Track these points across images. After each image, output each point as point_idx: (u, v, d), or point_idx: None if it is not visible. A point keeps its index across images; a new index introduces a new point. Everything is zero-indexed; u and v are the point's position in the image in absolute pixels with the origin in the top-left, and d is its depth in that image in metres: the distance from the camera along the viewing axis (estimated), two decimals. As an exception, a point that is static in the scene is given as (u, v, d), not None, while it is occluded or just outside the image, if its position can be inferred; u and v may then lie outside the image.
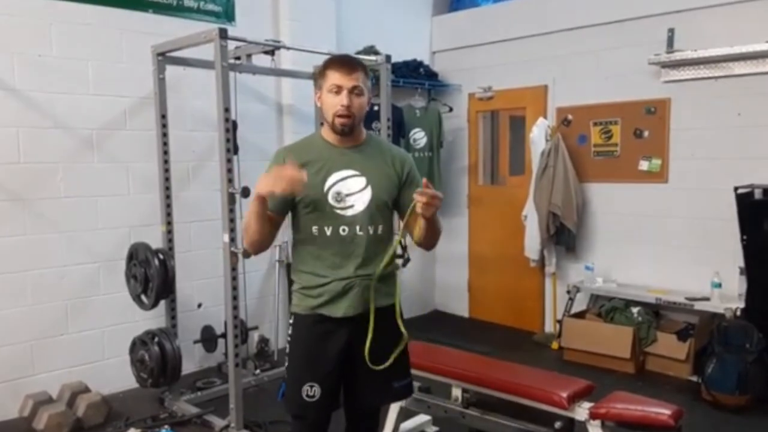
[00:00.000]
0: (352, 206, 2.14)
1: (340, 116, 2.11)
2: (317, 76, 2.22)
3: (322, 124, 2.26)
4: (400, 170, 2.23)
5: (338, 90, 2.10)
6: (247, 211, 2.13)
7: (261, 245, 2.18)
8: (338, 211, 2.14)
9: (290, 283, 4.76)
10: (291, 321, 2.28)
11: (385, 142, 2.42)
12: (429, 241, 2.20)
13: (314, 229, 2.15)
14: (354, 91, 2.10)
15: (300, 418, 2.28)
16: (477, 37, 5.63)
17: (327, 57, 2.30)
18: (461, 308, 5.99)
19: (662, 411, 2.47)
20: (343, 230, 2.13)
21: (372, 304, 2.15)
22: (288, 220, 2.27)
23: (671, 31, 4.39)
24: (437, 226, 2.17)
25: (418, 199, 1.95)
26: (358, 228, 2.12)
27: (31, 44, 3.65)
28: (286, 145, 2.32)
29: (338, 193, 2.13)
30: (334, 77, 2.11)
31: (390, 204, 2.23)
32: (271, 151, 4.96)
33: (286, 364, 2.26)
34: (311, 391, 2.16)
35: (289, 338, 2.28)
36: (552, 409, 2.64)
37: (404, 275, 5.34)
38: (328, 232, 2.13)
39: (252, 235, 2.13)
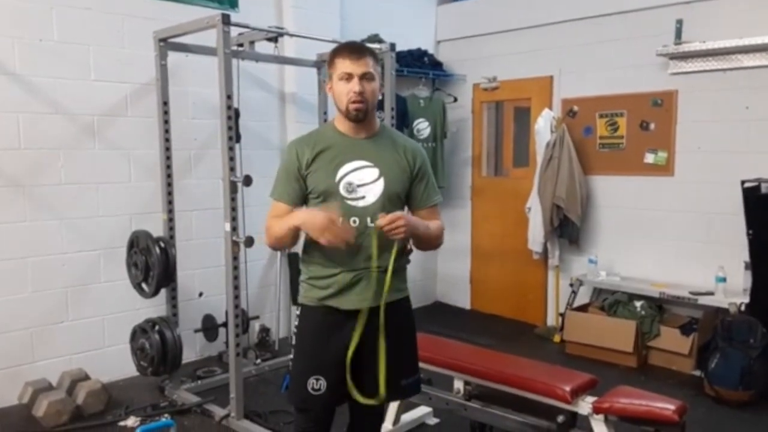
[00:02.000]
0: (363, 197, 2.11)
1: (353, 102, 2.08)
2: (327, 67, 2.18)
3: (325, 113, 2.23)
4: (413, 162, 2.20)
5: (349, 77, 2.07)
6: (284, 225, 2.12)
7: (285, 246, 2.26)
8: (349, 202, 2.10)
9: (292, 272, 4.77)
10: (298, 312, 2.24)
11: (398, 134, 2.38)
12: (422, 248, 2.28)
13: None
14: (365, 77, 2.07)
15: (304, 411, 2.25)
16: (482, 26, 5.57)
17: (334, 45, 2.26)
18: (463, 300, 5.98)
19: (666, 406, 2.44)
20: (354, 221, 2.09)
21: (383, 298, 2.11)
22: None
23: (679, 22, 4.34)
24: (425, 239, 2.21)
25: (380, 226, 2.01)
26: (369, 219, 2.08)
27: (32, 29, 3.61)
28: (298, 137, 2.27)
29: (350, 184, 2.10)
30: (343, 65, 2.08)
31: (402, 196, 2.19)
32: (274, 140, 4.98)
33: (292, 356, 2.23)
34: (317, 384, 2.13)
35: (295, 330, 2.23)
36: (555, 403, 2.62)
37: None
38: (339, 223, 2.10)
39: (281, 243, 2.19)
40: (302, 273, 2.24)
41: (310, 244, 2.16)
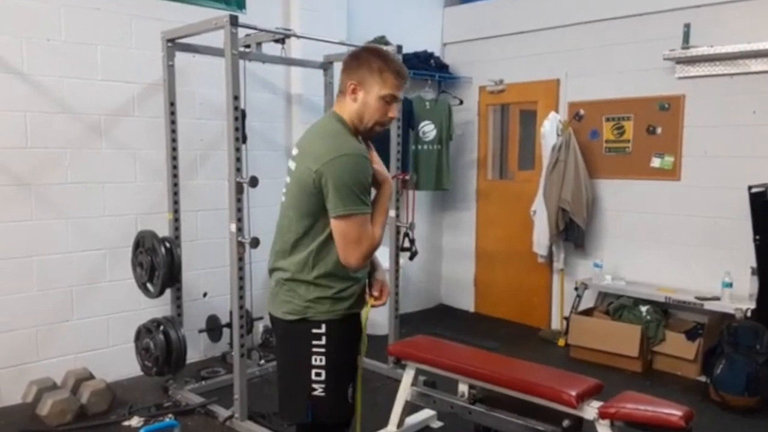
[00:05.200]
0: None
1: (381, 125, 2.06)
2: (366, 70, 1.99)
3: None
4: None
5: (392, 100, 2.01)
6: (385, 214, 2.10)
7: None
8: None
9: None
10: (322, 330, 2.04)
11: None
12: None
13: None
14: (398, 101, 2.06)
15: (345, 425, 2.18)
16: (489, 29, 5.57)
17: (340, 47, 2.23)
18: (467, 303, 5.96)
19: (673, 412, 2.42)
20: None
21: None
22: (301, 225, 2.05)
23: (687, 26, 4.33)
24: None
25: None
26: None
27: (40, 28, 3.62)
28: (355, 145, 2.03)
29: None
30: (393, 86, 1.99)
31: None
32: (279, 141, 4.99)
33: (323, 377, 2.04)
34: (352, 392, 2.13)
35: (323, 349, 2.04)
36: (560, 408, 2.60)
37: (410, 269, 5.32)
38: None
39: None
40: (322, 291, 2.05)
41: (331, 257, 2.03)
